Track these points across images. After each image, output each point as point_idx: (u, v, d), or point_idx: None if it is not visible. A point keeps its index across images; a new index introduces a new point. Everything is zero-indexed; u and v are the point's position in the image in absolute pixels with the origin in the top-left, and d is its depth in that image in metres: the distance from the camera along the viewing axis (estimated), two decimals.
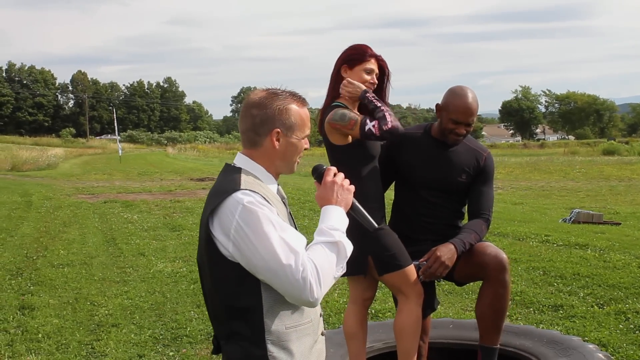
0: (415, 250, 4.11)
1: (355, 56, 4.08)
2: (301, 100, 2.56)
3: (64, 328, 6.71)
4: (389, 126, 3.86)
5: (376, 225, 2.64)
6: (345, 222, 2.49)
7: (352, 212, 2.61)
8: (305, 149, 2.59)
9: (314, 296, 2.30)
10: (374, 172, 4.06)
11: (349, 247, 2.44)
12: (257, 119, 2.51)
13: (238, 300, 2.43)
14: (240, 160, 2.57)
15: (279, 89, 2.56)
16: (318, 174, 2.60)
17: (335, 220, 2.46)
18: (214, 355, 5.74)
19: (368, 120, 3.89)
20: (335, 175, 2.56)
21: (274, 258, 2.29)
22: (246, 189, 2.39)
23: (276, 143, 2.52)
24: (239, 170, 2.52)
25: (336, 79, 4.13)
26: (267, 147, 2.53)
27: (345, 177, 2.59)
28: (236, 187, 2.40)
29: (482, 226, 4.20)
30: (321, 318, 2.66)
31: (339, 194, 2.52)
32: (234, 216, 2.34)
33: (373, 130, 3.87)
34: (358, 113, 4.02)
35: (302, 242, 2.39)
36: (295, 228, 2.65)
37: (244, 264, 2.36)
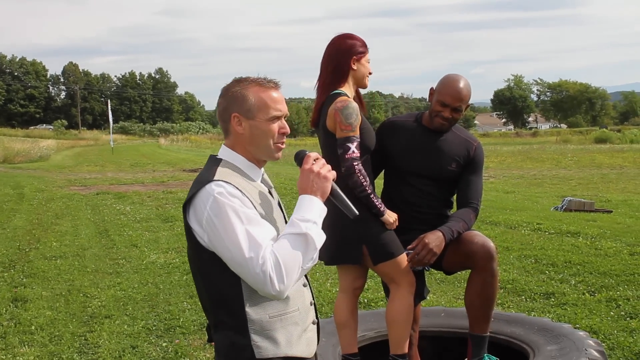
0: (404, 239, 4.11)
1: (360, 48, 4.10)
2: (266, 83, 2.53)
3: (57, 320, 6.71)
4: (353, 170, 3.88)
5: (357, 212, 2.59)
6: (319, 211, 2.44)
7: (332, 199, 2.55)
8: (282, 132, 2.53)
9: (275, 289, 2.30)
10: (367, 164, 4.07)
11: (318, 239, 2.39)
12: (220, 107, 2.55)
13: (220, 290, 2.45)
14: (222, 151, 2.59)
15: (249, 76, 2.56)
16: (299, 160, 2.54)
17: (307, 210, 2.41)
18: (207, 345, 5.79)
19: (354, 148, 3.90)
20: (315, 161, 2.49)
21: (238, 250, 2.31)
22: (219, 180, 2.40)
23: (238, 128, 2.51)
24: (219, 161, 2.54)
25: (340, 70, 4.07)
26: (234, 134, 2.54)
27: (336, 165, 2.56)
28: (210, 178, 2.42)
29: (471, 215, 4.21)
30: (312, 306, 2.66)
31: (314, 183, 2.45)
32: (205, 207, 2.37)
33: (347, 154, 3.88)
34: (357, 130, 3.99)
35: (269, 235, 2.38)
36: (285, 217, 2.66)
37: (217, 254, 2.38)
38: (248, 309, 2.43)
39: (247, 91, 2.50)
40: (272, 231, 2.42)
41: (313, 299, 2.69)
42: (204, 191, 2.39)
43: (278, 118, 2.52)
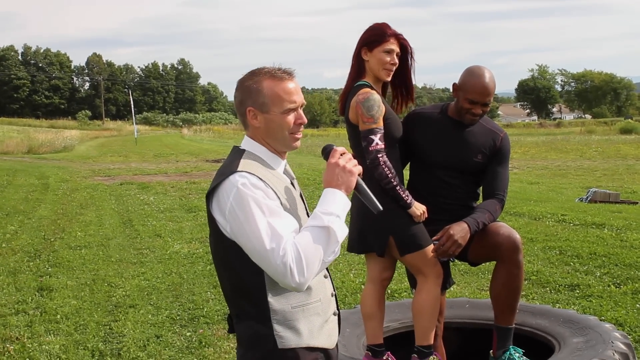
0: (430, 230, 4.09)
1: (374, 37, 4.04)
2: (280, 75, 2.51)
3: (82, 309, 6.77)
4: (377, 162, 3.85)
5: (381, 208, 2.57)
6: (343, 205, 2.43)
7: (357, 194, 2.55)
8: (299, 123, 2.53)
9: (295, 281, 2.30)
10: (394, 154, 4.04)
11: (340, 232, 2.38)
12: (237, 100, 2.55)
13: (242, 280, 2.46)
14: (245, 142, 2.59)
15: (264, 67, 2.54)
16: (326, 154, 2.54)
17: (330, 203, 2.40)
18: (231, 335, 5.80)
19: (377, 140, 3.88)
20: (342, 156, 2.49)
21: (259, 242, 2.31)
22: (243, 171, 2.40)
23: (254, 122, 2.51)
24: (242, 152, 2.54)
25: (357, 61, 4.11)
26: (252, 127, 2.54)
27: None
28: (234, 169, 2.42)
29: (497, 206, 4.18)
30: (333, 298, 2.66)
31: (340, 176, 2.44)
32: (228, 198, 2.37)
33: (370, 146, 3.86)
34: (380, 120, 3.96)
35: (291, 227, 2.38)
36: (306, 209, 2.66)
37: (240, 245, 2.38)
38: (270, 299, 2.44)
39: (261, 85, 2.49)
40: (294, 223, 2.42)
41: (334, 290, 2.69)
42: (227, 182, 2.40)
43: (293, 110, 2.51)
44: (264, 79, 2.49)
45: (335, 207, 2.40)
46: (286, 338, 2.46)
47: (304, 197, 2.71)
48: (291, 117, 2.50)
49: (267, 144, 2.55)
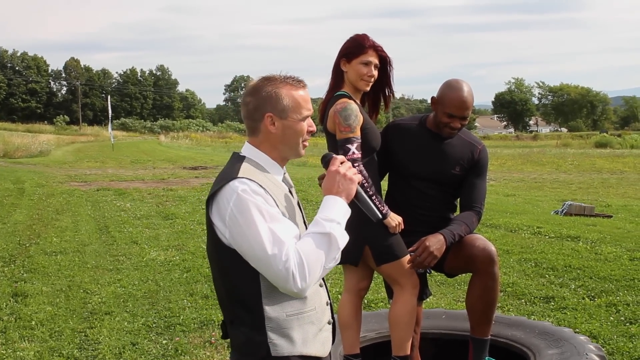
0: (407, 241, 4.12)
1: (352, 49, 4.08)
2: (296, 83, 2.56)
3: (57, 315, 6.72)
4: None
5: (380, 216, 2.63)
6: (344, 212, 2.47)
7: (356, 202, 2.59)
8: (310, 131, 2.58)
9: (297, 287, 2.33)
10: (372, 164, 4.07)
11: (341, 238, 2.43)
12: (251, 105, 2.56)
13: (238, 286, 2.48)
14: (246, 148, 2.61)
15: (275, 74, 2.58)
16: (325, 162, 2.60)
17: (331, 210, 2.45)
18: (207, 344, 5.79)
19: (354, 149, 3.90)
20: (341, 164, 2.54)
21: (261, 247, 2.33)
22: (243, 177, 2.43)
23: (271, 127, 2.54)
24: (242, 158, 2.57)
25: (336, 72, 4.15)
26: (265, 133, 2.56)
27: None
28: (234, 175, 2.44)
29: (473, 218, 4.21)
30: (328, 306, 2.67)
31: (340, 184, 2.49)
32: (229, 203, 2.39)
33: (347, 155, 3.86)
34: (358, 130, 3.98)
35: (292, 233, 2.40)
36: (304, 218, 2.69)
37: (239, 251, 2.40)
38: (265, 306, 2.46)
39: (281, 91, 2.52)
40: (295, 229, 2.45)
41: (329, 299, 2.71)
42: (227, 188, 2.42)
43: (308, 117, 2.57)
44: (283, 86, 2.54)
45: (336, 214, 2.44)
46: (280, 346, 2.47)
47: (301, 206, 2.73)
48: (305, 124, 2.56)
49: (275, 150, 2.58)
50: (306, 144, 2.60)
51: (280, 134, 2.54)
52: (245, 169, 2.49)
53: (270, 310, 2.45)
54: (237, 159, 2.57)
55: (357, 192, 2.57)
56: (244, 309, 2.49)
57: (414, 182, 4.28)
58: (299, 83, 2.56)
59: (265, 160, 2.58)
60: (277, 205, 2.44)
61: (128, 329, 6.29)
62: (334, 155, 2.59)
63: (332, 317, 2.72)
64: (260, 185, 2.43)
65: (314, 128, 2.59)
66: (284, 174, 2.66)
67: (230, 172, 2.49)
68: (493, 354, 4.31)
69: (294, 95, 2.53)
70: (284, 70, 2.58)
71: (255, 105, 2.55)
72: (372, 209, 2.62)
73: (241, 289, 2.47)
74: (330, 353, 2.70)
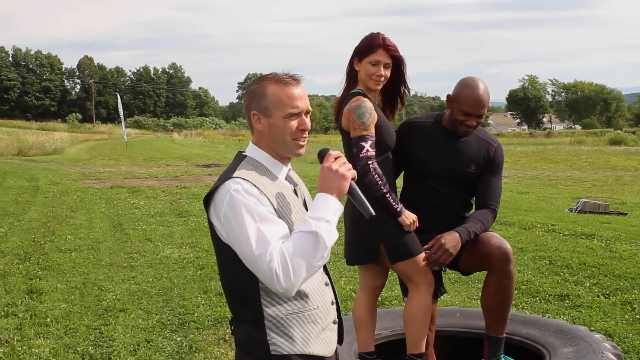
0: (422, 239, 4.11)
1: (363, 48, 4.07)
2: (285, 80, 2.51)
3: (72, 312, 6.75)
4: (367, 168, 3.87)
5: (373, 212, 2.57)
6: (334, 209, 2.41)
7: (350, 198, 2.54)
8: (301, 129, 2.52)
9: (282, 286, 2.31)
10: (387, 162, 4.06)
11: (329, 237, 2.37)
12: (244, 104, 2.59)
13: (238, 284, 2.49)
14: (249, 148, 2.61)
15: (271, 73, 2.55)
16: (320, 158, 2.54)
17: (321, 209, 2.39)
18: (222, 341, 5.81)
19: (368, 146, 3.90)
20: (335, 160, 2.47)
21: (248, 247, 2.33)
22: (238, 177, 2.43)
23: (258, 125, 2.54)
24: (243, 157, 2.57)
25: (350, 71, 4.15)
26: (256, 131, 2.56)
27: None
28: (229, 175, 2.45)
29: (489, 216, 4.20)
30: (333, 306, 2.66)
31: (332, 181, 2.43)
32: (223, 203, 2.40)
33: (361, 153, 3.88)
34: (372, 127, 3.98)
35: (280, 233, 2.38)
36: None
37: (234, 250, 2.41)
38: (264, 304, 2.46)
39: (265, 88, 2.51)
40: (285, 230, 2.42)
41: (335, 298, 2.69)
42: (222, 187, 2.43)
43: (296, 115, 2.51)
44: (269, 83, 2.51)
45: (326, 212, 2.39)
46: (280, 344, 2.47)
47: (308, 205, 2.67)
48: (294, 123, 2.51)
49: (270, 148, 2.57)
50: (301, 142, 2.54)
51: (267, 132, 2.53)
52: (242, 168, 2.49)
53: (269, 309, 2.46)
54: (239, 158, 2.58)
55: (351, 188, 2.49)
56: (245, 306, 2.50)
57: (430, 180, 4.27)
58: (289, 79, 2.51)
59: (266, 158, 2.57)
60: (272, 205, 2.43)
61: (142, 326, 6.31)
62: (330, 150, 2.51)
63: (339, 317, 2.70)
64: (254, 185, 2.41)
65: (305, 126, 2.52)
66: (289, 171, 2.64)
67: (228, 172, 2.50)
68: (508, 352, 4.29)
69: (279, 92, 2.49)
70: (293, 68, 2.55)
71: (245, 104, 2.57)
72: (365, 205, 2.52)
73: (241, 287, 2.48)
74: (336, 352, 2.68)
